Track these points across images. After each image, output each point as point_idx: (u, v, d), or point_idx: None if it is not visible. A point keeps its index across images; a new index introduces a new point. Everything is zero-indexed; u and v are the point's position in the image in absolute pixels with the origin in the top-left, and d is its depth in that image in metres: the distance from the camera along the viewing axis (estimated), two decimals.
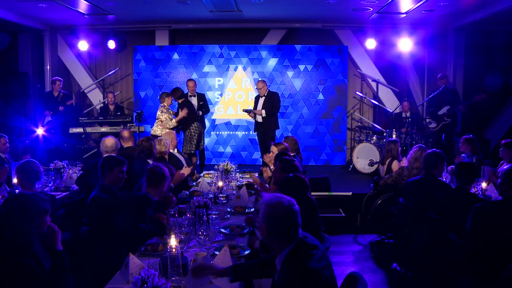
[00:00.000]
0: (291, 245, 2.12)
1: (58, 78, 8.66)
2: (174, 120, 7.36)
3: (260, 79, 8.18)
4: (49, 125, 8.41)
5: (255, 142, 9.23)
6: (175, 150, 5.92)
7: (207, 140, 8.67)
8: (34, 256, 2.26)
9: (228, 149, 9.27)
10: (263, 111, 7.57)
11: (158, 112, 7.36)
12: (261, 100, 7.67)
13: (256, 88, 7.90)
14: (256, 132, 7.96)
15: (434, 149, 4.40)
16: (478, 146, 5.65)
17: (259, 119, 7.66)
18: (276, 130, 7.85)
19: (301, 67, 9.21)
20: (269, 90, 7.76)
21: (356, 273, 2.30)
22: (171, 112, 7.40)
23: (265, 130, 7.65)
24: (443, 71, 8.56)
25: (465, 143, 5.61)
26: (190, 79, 7.99)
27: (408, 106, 8.40)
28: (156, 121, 7.43)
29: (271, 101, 7.60)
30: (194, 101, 7.76)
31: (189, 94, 7.78)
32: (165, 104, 7.35)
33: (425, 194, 4.05)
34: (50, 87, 8.93)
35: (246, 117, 8.49)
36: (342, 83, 9.22)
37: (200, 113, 7.72)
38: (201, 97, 7.88)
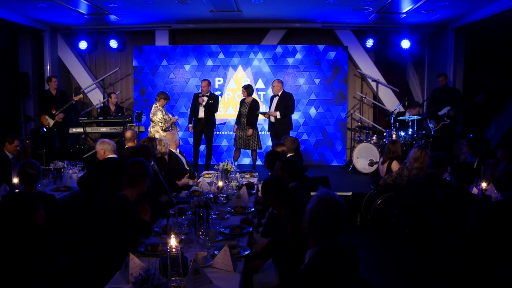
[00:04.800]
0: (323, 245, 2.14)
1: (53, 75, 8.65)
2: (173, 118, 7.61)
3: (277, 79, 7.95)
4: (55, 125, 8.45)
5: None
6: (177, 150, 5.94)
7: None
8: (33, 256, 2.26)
9: (229, 149, 9.27)
10: (278, 113, 7.54)
11: (150, 115, 7.49)
12: (275, 100, 7.66)
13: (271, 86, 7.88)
14: (269, 132, 7.98)
15: (439, 152, 4.47)
16: (480, 148, 5.70)
17: (272, 119, 7.67)
18: (290, 131, 7.74)
19: (301, 67, 9.21)
20: (284, 90, 7.68)
21: (364, 278, 2.30)
22: (164, 112, 7.49)
23: (277, 131, 7.56)
24: (443, 71, 8.57)
25: (466, 145, 5.67)
26: (204, 79, 8.02)
27: (417, 111, 8.05)
28: (152, 123, 7.49)
29: (284, 102, 7.55)
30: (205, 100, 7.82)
31: (201, 94, 7.81)
32: (158, 104, 7.44)
33: (428, 193, 4.05)
34: (46, 85, 8.93)
35: None
36: (342, 83, 9.22)
37: (206, 99, 7.76)
38: (213, 97, 7.92)
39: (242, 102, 7.83)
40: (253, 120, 7.70)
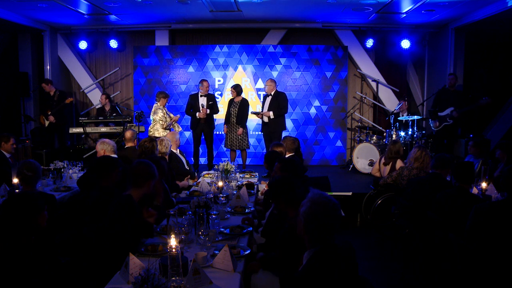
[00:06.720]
0: (320, 246, 2.14)
1: (46, 79, 8.66)
2: (175, 116, 7.58)
3: (270, 79, 7.95)
4: (50, 125, 8.43)
5: (254, 142, 9.24)
6: (178, 150, 5.94)
7: None
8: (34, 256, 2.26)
9: (229, 150, 9.25)
10: (271, 113, 7.54)
11: (151, 114, 7.48)
12: (268, 100, 7.66)
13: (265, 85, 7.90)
14: (262, 133, 7.97)
15: (444, 153, 4.49)
16: (484, 149, 5.73)
17: (266, 119, 7.66)
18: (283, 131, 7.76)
19: (301, 67, 9.21)
20: (276, 90, 7.68)
21: (363, 277, 2.31)
22: (165, 111, 7.48)
23: (271, 131, 7.59)
24: (443, 71, 8.57)
25: (472, 146, 5.70)
26: (205, 79, 8.02)
27: (406, 106, 8.41)
28: (152, 122, 7.49)
29: (277, 102, 7.56)
30: (203, 101, 7.81)
31: (200, 93, 7.82)
32: (159, 104, 7.44)
33: (430, 193, 4.05)
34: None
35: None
36: (342, 83, 9.22)
37: (208, 111, 7.78)
38: (211, 97, 7.93)
39: (231, 102, 7.81)
40: (243, 119, 7.71)
